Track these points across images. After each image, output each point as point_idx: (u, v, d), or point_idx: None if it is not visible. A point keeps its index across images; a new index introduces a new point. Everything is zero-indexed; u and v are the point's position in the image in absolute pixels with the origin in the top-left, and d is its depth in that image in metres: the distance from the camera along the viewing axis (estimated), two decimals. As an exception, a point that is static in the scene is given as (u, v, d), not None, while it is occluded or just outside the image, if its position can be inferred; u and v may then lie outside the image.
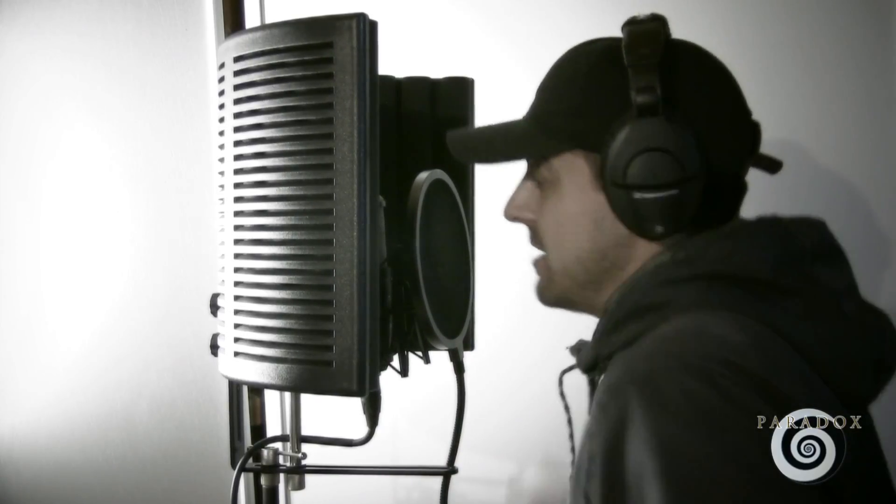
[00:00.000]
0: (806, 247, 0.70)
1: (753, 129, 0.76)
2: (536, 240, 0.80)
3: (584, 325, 0.80)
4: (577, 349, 0.81)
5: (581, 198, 0.74)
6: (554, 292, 0.80)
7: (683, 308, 0.67)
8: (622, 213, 0.70)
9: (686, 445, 0.56)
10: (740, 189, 0.76)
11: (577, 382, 0.84)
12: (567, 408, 0.89)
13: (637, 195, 0.68)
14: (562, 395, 0.88)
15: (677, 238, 0.73)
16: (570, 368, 0.84)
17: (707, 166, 0.68)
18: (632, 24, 0.70)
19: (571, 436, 0.89)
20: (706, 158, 0.68)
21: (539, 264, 0.81)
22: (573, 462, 0.72)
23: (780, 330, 0.65)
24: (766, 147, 0.78)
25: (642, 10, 0.72)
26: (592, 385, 0.82)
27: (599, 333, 0.74)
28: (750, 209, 0.77)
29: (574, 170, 0.74)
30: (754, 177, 0.81)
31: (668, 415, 0.57)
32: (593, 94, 0.72)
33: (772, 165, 0.82)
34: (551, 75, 0.78)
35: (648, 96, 0.66)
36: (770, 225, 0.72)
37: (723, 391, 0.58)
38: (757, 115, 0.76)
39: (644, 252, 0.74)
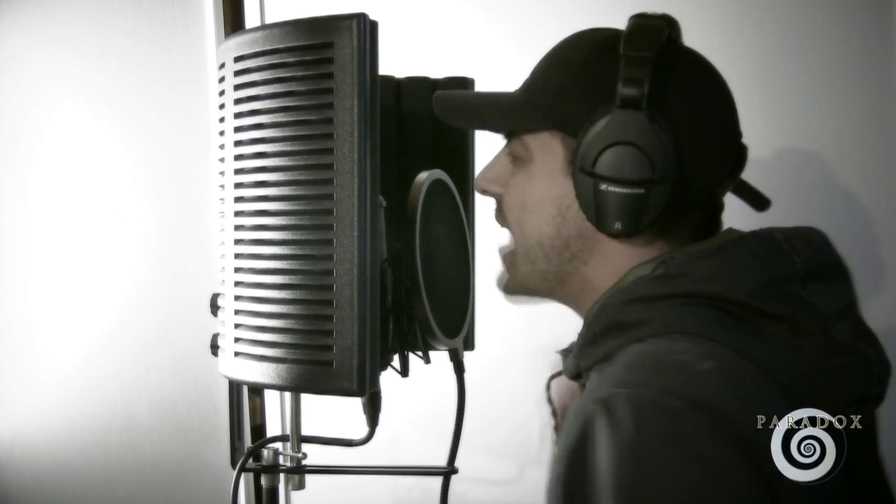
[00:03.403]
0: (798, 266, 0.68)
1: (739, 152, 0.74)
2: (501, 215, 0.80)
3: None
4: (567, 353, 0.80)
5: (550, 181, 0.74)
6: (515, 279, 0.79)
7: (658, 330, 0.65)
8: (584, 202, 0.69)
9: (635, 480, 0.56)
10: (714, 208, 0.75)
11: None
12: (554, 413, 0.88)
13: (602, 186, 0.67)
14: (549, 400, 0.87)
15: (659, 246, 0.72)
16: (558, 374, 0.84)
17: (680, 176, 0.67)
18: (637, 18, 0.69)
19: (556, 442, 0.89)
20: (681, 167, 0.67)
21: (507, 258, 0.80)
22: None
23: (755, 359, 0.63)
24: (764, 152, 0.77)
25: (647, 10, 0.71)
26: (583, 389, 0.81)
27: (579, 346, 0.73)
28: (745, 214, 0.76)
29: (548, 151, 0.74)
30: (752, 178, 0.81)
31: (621, 448, 0.57)
32: (583, 79, 0.72)
33: (759, 201, 0.79)
34: (549, 54, 0.77)
35: (634, 89, 0.65)
36: (761, 242, 0.69)
37: (674, 426, 0.57)
38: (754, 117, 0.75)
39: (609, 249, 0.73)
